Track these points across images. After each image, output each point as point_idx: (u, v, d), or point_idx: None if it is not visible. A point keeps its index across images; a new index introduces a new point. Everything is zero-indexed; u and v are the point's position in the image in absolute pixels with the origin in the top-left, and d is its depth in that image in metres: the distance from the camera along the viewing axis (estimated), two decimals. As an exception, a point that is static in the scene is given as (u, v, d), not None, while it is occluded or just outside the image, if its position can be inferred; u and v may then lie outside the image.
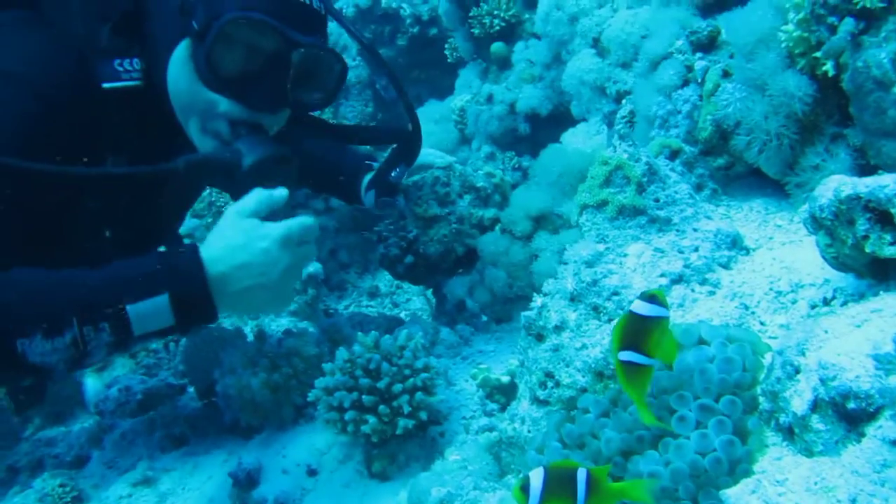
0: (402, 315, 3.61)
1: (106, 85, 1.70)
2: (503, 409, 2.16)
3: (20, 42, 1.68)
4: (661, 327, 1.25)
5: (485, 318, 2.66)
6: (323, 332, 2.51)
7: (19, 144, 1.58)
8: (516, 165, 3.72)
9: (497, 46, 3.98)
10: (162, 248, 1.99)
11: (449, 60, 4.47)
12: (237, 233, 1.61)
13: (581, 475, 1.20)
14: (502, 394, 2.16)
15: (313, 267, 3.39)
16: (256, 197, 1.65)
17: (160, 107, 1.76)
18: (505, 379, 2.15)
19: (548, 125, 3.64)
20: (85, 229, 1.86)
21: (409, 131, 2.35)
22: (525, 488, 1.21)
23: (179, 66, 1.71)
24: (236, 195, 1.75)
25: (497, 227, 2.66)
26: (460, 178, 2.74)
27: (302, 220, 1.67)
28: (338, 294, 4.01)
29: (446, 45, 4.54)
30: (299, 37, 1.69)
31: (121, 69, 1.71)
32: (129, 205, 1.90)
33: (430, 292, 3.41)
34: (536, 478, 1.21)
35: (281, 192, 1.68)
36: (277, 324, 3.62)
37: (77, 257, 1.66)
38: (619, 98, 3.12)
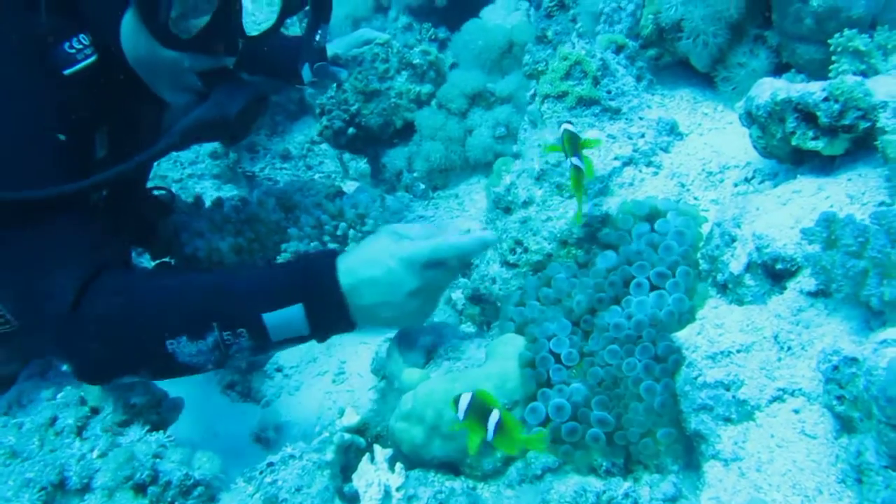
0: (317, 177, 3.76)
1: (67, 72, 1.65)
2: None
3: None
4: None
5: (422, 187, 2.88)
6: (276, 199, 2.68)
7: (24, 168, 1.58)
8: (433, 37, 3.81)
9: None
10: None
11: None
12: (374, 248, 1.61)
13: (494, 416, 1.36)
14: (452, 255, 2.42)
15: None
16: (432, 243, 1.59)
17: (122, 71, 1.73)
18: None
19: (465, -2, 3.75)
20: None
21: None
22: (457, 402, 1.40)
23: (133, 35, 1.67)
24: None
25: (433, 102, 2.86)
26: (398, 54, 2.90)
27: (435, 245, 1.59)
28: (250, 157, 4.09)
29: None
30: None
31: (73, 51, 1.66)
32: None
33: (345, 156, 3.58)
34: (465, 400, 1.39)
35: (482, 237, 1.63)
36: (201, 186, 3.72)
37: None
38: (538, -25, 3.30)
